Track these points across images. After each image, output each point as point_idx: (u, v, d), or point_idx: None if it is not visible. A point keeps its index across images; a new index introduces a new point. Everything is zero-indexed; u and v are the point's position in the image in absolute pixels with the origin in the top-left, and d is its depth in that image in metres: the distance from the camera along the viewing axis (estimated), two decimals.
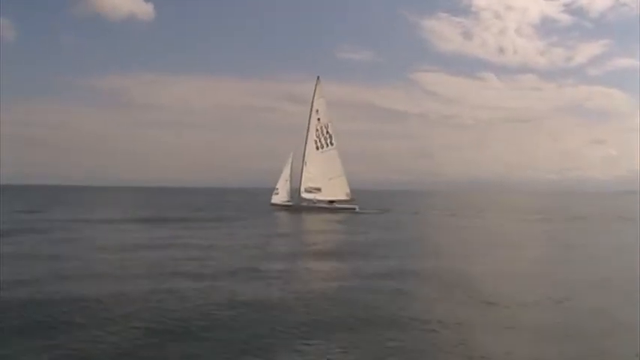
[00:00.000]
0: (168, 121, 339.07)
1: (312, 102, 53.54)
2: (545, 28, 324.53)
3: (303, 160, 52.71)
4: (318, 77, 54.30)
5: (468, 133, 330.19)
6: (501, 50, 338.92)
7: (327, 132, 52.97)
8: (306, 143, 52.92)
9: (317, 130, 52.96)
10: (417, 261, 19.34)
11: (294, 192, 52.92)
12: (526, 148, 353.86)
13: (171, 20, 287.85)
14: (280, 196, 53.45)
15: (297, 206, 51.35)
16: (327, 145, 52.84)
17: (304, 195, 52.22)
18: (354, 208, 50.79)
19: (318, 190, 52.01)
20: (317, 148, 52.81)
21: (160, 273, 15.49)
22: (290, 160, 53.68)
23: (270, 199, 53.76)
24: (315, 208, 50.70)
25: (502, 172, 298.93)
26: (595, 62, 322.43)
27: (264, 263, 17.99)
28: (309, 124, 53.20)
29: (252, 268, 16.70)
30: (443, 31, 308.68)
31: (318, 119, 53.18)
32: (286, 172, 53.46)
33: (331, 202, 51.50)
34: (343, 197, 52.02)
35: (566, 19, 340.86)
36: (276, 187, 53.87)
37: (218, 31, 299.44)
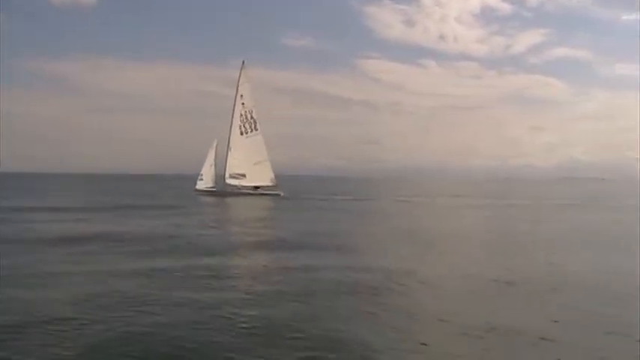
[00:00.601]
0: (116, 107, 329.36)
1: (237, 87, 53.04)
2: (485, 16, 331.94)
3: (228, 145, 52.26)
4: (243, 62, 53.91)
5: (412, 120, 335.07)
6: (442, 38, 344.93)
7: (252, 117, 52.58)
8: (231, 129, 52.46)
9: (241, 115, 52.52)
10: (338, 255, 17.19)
11: (219, 178, 52.48)
12: (468, 135, 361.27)
13: (115, 5, 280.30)
14: (205, 182, 52.98)
15: (222, 192, 50.92)
16: (252, 130, 52.48)
17: (229, 181, 51.81)
18: (279, 194, 50.67)
19: (243, 176, 51.68)
20: (241, 134, 52.40)
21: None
22: (214, 145, 53.21)
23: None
24: (240, 193, 50.39)
25: (445, 158, 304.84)
26: (534, 51, 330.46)
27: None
28: (233, 109, 52.71)
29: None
30: (386, 18, 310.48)
31: (243, 104, 52.73)
32: (211, 158, 53.00)
33: (256, 187, 51.29)
34: (268, 183, 51.87)
35: (505, 8, 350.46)
36: (201, 172, 53.34)
37: (163, 15, 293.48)
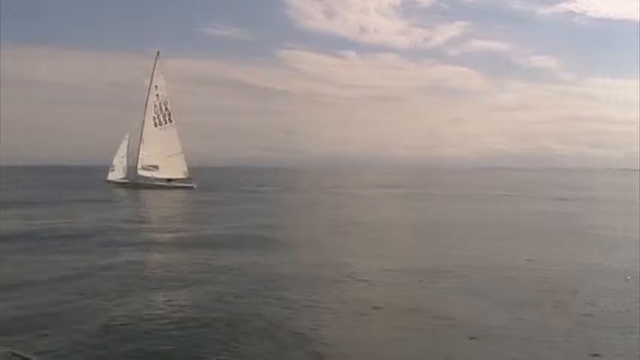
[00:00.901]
0: (27, 97, 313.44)
1: (152, 78, 52.29)
2: (405, 8, 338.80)
3: (141, 137, 51.56)
4: (157, 52, 53.24)
5: (333, 111, 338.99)
6: (363, 29, 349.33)
7: (166, 109, 52.07)
8: (143, 120, 51.76)
9: (155, 106, 51.90)
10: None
11: (132, 169, 51.77)
12: (389, 126, 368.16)
13: None
14: (116, 173, 52.10)
15: (134, 183, 50.30)
16: (166, 121, 52.00)
17: (141, 172, 51.19)
18: (193, 187, 50.56)
19: (156, 167, 51.21)
20: (155, 125, 51.82)
21: None
22: (127, 136, 52.39)
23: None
24: (152, 186, 49.92)
25: (366, 149, 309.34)
26: (453, 43, 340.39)
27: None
28: (147, 100, 52.00)
29: None
30: (306, 9, 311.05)
31: (157, 95, 52.11)
32: (122, 149, 52.15)
33: (169, 180, 50.98)
34: (181, 175, 51.63)
35: (426, 0, 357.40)
36: (113, 163, 52.43)
37: (87, 2, 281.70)
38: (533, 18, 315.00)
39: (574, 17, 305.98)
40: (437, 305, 10.32)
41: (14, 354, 5.84)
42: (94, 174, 66.13)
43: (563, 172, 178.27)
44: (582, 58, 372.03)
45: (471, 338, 8.39)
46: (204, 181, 55.92)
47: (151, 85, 52.15)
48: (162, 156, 51.18)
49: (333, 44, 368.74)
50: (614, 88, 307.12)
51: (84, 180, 70.64)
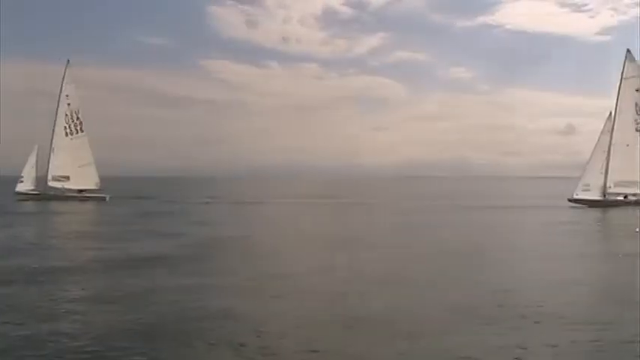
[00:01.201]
0: None
1: (62, 87, 51.27)
2: (327, 19, 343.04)
3: (51, 146, 50.44)
4: (68, 61, 52.24)
5: (255, 121, 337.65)
6: (285, 39, 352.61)
7: (78, 118, 51.16)
8: (54, 129, 50.66)
9: (67, 115, 50.91)
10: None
11: (42, 180, 50.44)
12: (312, 135, 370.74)
13: None
14: (25, 185, 50.52)
15: (45, 195, 49.06)
16: (77, 131, 51.06)
17: (52, 183, 50.01)
18: (104, 198, 49.82)
19: (67, 178, 50.17)
20: (66, 135, 50.81)
21: None
22: (36, 147, 50.99)
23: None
24: (63, 197, 48.87)
25: (290, 159, 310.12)
26: (375, 53, 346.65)
27: None
28: (57, 109, 50.94)
29: None
30: (229, 19, 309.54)
31: (68, 104, 51.13)
32: (32, 159, 50.64)
33: (80, 191, 50.01)
34: (92, 186, 50.75)
35: (347, 11, 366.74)
36: (22, 174, 50.83)
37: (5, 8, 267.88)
38: (452, 30, 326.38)
39: (492, 30, 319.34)
40: None
41: None
42: (1, 185, 63.61)
43: (481, 179, 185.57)
44: (498, 69, 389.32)
45: None
46: (119, 192, 55.16)
47: (61, 93, 51.13)
48: (74, 166, 50.18)
49: (255, 54, 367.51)
50: (528, 98, 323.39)
51: None
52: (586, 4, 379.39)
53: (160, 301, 11.93)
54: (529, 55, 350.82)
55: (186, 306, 11.49)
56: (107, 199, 49.74)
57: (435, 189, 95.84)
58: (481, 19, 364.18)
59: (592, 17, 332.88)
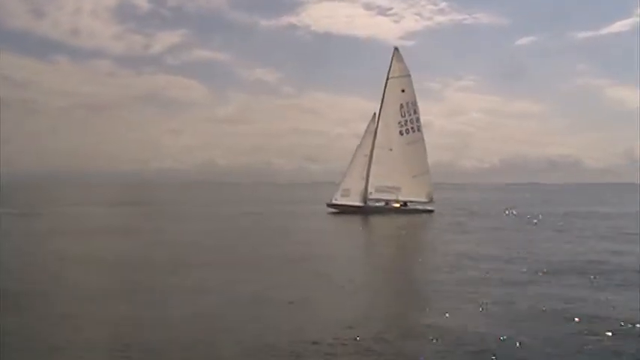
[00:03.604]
0: None
1: None
2: (123, 13, 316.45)
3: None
4: None
5: (43, 121, 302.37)
6: (75, 32, 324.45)
7: None
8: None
9: None
10: None
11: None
12: (103, 137, 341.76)
13: None
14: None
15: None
16: None
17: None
18: None
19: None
20: None
21: None
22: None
23: None
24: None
25: (79, 162, 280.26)
26: (173, 51, 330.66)
27: None
28: None
29: None
30: (11, 7, 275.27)
31: None
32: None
33: None
34: None
35: (144, 5, 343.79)
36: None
37: None
38: (255, 29, 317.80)
39: (297, 31, 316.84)
40: None
41: None
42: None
43: (282, 187, 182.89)
44: (303, 71, 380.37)
45: None
46: None
47: None
48: None
49: (41, 47, 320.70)
50: (332, 102, 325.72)
51: None
52: (391, 8, 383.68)
53: None
54: (335, 58, 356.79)
55: None
56: None
57: (211, 196, 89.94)
58: (286, 19, 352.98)
59: (396, 22, 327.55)
